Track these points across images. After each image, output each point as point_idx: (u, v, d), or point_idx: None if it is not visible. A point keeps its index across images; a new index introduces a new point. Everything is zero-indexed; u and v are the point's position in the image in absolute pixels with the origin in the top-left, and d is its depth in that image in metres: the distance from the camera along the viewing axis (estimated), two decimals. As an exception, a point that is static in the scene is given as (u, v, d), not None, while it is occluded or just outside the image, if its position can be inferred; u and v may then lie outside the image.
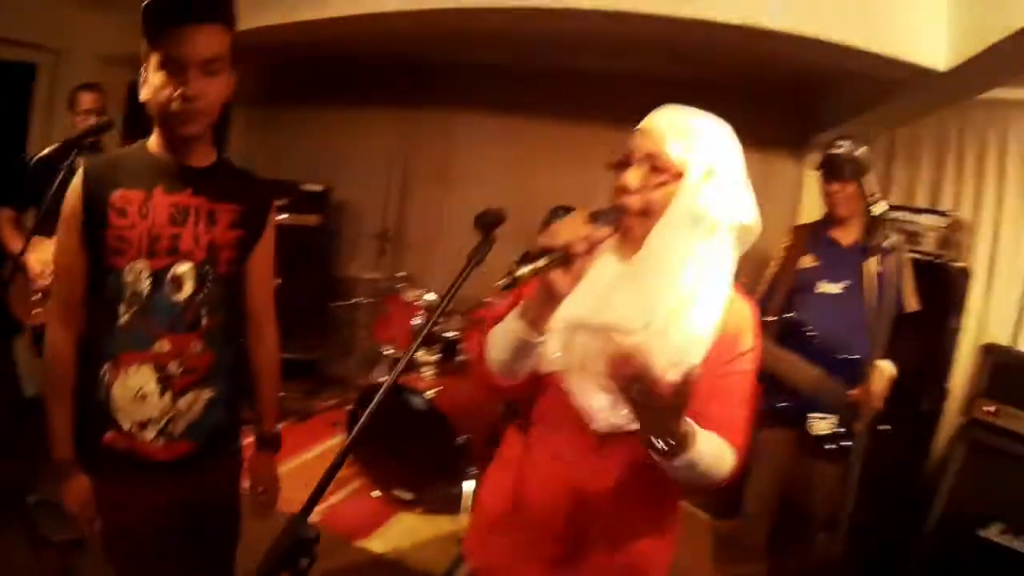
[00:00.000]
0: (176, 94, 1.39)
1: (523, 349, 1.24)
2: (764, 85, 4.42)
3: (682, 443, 1.11)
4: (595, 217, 1.19)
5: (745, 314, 1.32)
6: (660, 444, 1.10)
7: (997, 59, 2.37)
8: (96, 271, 1.48)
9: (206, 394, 1.57)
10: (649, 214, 1.23)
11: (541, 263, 1.13)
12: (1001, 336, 3.67)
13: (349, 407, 3.80)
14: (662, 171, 1.22)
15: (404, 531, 3.26)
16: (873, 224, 2.60)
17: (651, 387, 1.02)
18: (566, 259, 1.13)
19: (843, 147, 2.67)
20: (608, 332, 1.21)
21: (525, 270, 1.12)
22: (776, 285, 2.81)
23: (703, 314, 1.23)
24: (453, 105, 5.19)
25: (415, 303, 4.03)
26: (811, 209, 4.36)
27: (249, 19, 3.53)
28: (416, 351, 3.78)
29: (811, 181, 4.43)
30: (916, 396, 3.19)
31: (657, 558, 1.38)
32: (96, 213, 1.45)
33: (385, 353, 4.18)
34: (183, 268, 1.50)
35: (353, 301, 4.94)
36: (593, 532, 1.32)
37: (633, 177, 1.23)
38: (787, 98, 4.52)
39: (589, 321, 1.23)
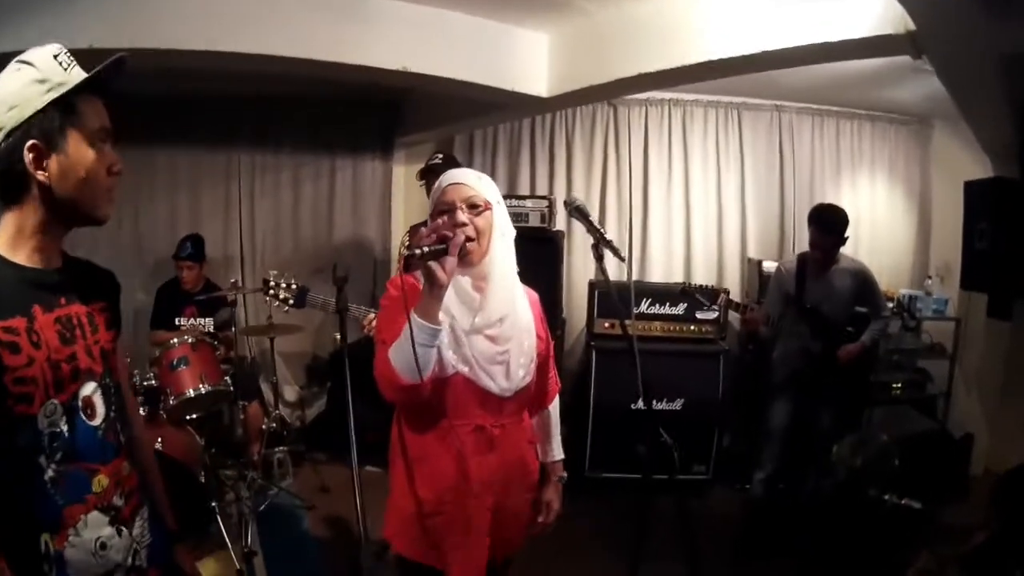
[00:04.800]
0: (115, 167, 1.26)
1: (426, 342, 1.59)
2: (362, 103, 5.31)
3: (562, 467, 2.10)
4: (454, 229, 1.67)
5: (533, 294, 1.95)
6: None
7: (585, 92, 3.66)
8: None
9: (144, 513, 1.40)
10: (478, 236, 1.72)
11: (427, 250, 1.54)
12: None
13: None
14: (478, 206, 1.74)
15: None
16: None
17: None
18: (442, 252, 1.56)
19: (439, 158, 3.68)
20: (483, 329, 1.73)
21: (418, 252, 1.53)
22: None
23: (522, 295, 1.86)
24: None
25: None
26: (399, 199, 5.63)
27: None
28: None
29: (399, 176, 5.62)
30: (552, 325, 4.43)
31: (535, 456, 2.01)
32: None
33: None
34: (89, 389, 1.28)
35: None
36: (510, 466, 1.84)
37: (462, 215, 1.72)
38: (380, 112, 5.46)
39: (468, 325, 1.72)
